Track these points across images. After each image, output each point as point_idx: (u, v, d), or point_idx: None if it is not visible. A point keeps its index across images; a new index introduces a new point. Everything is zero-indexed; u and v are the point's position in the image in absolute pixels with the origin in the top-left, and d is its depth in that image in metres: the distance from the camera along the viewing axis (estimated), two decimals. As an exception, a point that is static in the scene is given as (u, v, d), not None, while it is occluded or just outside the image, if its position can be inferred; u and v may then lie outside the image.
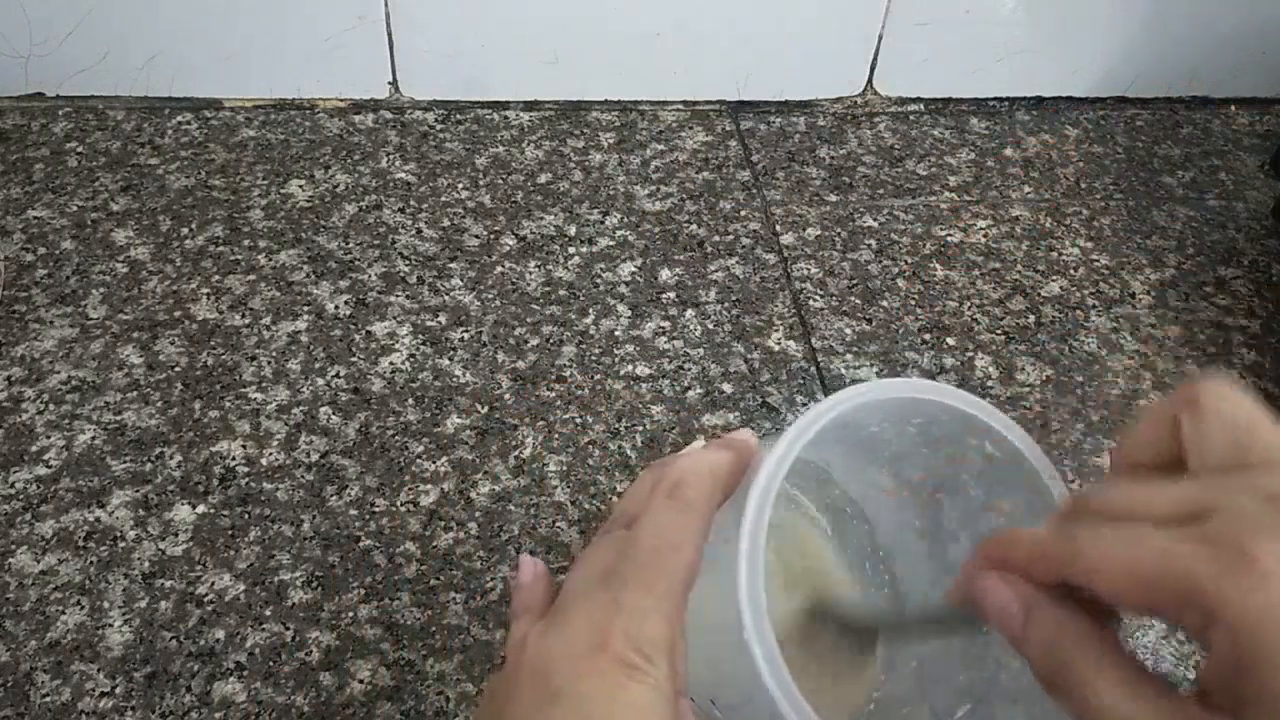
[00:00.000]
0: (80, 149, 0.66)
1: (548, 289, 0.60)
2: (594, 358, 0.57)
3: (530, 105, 0.73)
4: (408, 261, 0.61)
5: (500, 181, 0.67)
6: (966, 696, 0.32)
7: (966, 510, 0.34)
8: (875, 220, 0.67)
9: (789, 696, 0.26)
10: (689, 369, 0.57)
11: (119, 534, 0.47)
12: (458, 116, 0.72)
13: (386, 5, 0.66)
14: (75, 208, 0.62)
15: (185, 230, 0.62)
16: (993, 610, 0.25)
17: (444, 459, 0.51)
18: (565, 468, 0.52)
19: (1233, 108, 0.80)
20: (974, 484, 0.33)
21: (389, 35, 0.68)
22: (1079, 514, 0.25)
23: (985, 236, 0.67)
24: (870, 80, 0.75)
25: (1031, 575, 0.25)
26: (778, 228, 0.66)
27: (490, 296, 0.60)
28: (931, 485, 0.35)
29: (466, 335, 0.57)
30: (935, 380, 0.38)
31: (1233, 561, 0.20)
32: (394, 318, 0.58)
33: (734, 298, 0.61)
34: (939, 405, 0.31)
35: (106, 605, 0.45)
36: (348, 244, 0.62)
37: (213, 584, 0.46)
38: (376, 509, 0.49)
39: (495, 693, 0.28)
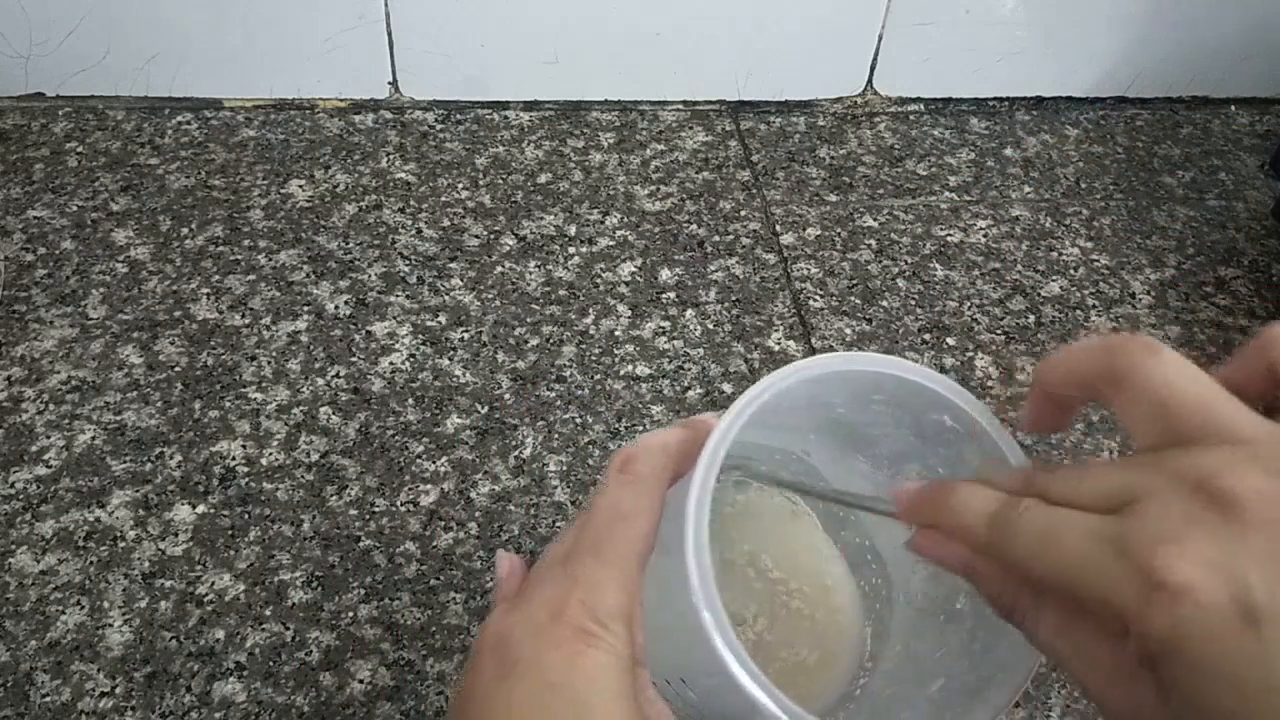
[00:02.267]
0: (80, 149, 0.66)
1: (548, 289, 0.60)
2: (594, 358, 0.57)
3: (530, 105, 0.73)
4: (408, 261, 0.61)
5: (500, 181, 0.67)
6: (940, 672, 0.33)
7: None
8: (875, 220, 0.67)
9: (735, 653, 0.26)
10: (689, 369, 0.57)
11: (119, 534, 0.47)
12: (458, 116, 0.72)
13: (386, 5, 0.66)
14: (75, 208, 0.62)
15: (185, 230, 0.62)
16: (935, 559, 0.27)
17: (444, 459, 0.51)
18: (565, 468, 0.52)
19: (1233, 108, 0.80)
20: (942, 463, 0.33)
21: (389, 35, 0.68)
22: (1026, 489, 0.25)
23: (985, 236, 0.67)
24: (870, 80, 0.75)
25: (966, 546, 0.26)
26: (778, 228, 0.66)
27: (490, 296, 0.60)
28: (908, 467, 0.35)
29: (466, 335, 0.57)
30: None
31: (1141, 578, 0.21)
32: (394, 318, 0.58)
33: (734, 298, 0.61)
34: (895, 379, 0.31)
35: (106, 605, 0.45)
36: (348, 244, 0.62)
37: (213, 584, 0.46)
38: (376, 509, 0.49)
39: (463, 676, 0.28)
